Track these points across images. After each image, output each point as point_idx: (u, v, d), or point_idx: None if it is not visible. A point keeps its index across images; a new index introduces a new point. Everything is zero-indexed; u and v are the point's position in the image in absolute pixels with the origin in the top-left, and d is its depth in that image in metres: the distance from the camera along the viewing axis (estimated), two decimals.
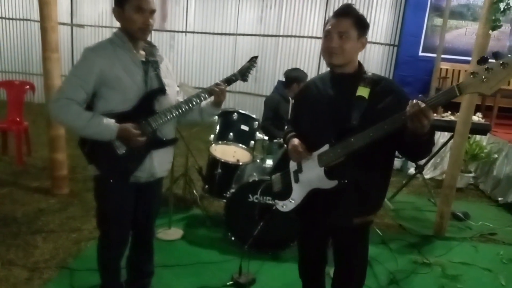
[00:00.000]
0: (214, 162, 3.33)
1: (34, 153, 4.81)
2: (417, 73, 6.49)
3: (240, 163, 3.25)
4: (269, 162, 3.22)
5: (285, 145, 1.94)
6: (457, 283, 2.85)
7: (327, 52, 1.68)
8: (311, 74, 6.43)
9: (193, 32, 7.76)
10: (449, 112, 4.31)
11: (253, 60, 2.21)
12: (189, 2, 7.62)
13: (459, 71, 6.29)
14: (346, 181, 1.64)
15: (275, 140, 3.41)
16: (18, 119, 4.63)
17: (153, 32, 1.93)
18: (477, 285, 2.88)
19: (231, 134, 3.30)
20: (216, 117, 3.36)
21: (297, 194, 1.79)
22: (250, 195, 2.88)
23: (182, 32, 7.79)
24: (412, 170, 4.93)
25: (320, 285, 2.09)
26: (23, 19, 7.97)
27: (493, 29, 3.09)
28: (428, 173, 5.12)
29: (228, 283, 2.60)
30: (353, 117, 1.60)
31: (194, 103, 1.98)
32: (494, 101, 5.45)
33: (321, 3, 6.97)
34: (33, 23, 7.79)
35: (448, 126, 3.88)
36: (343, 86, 1.70)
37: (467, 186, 4.93)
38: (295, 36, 7.21)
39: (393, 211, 4.07)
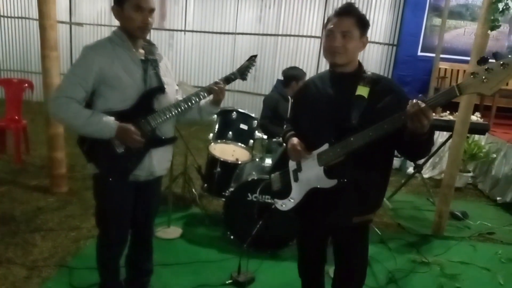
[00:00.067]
0: (213, 161, 3.32)
1: (32, 152, 4.80)
2: (416, 72, 6.50)
3: (239, 162, 3.25)
4: (268, 161, 3.22)
5: (284, 144, 1.94)
6: (455, 282, 2.86)
7: (330, 51, 1.67)
8: (310, 73, 6.43)
9: (192, 31, 7.76)
10: (448, 112, 4.32)
11: (252, 59, 2.21)
12: (188, 1, 7.62)
13: (458, 71, 6.30)
14: (345, 180, 1.64)
15: (274, 139, 3.41)
16: (16, 117, 4.62)
17: (152, 30, 1.93)
18: (476, 284, 2.89)
19: (230, 133, 3.30)
20: (215, 116, 3.37)
21: (297, 193, 1.79)
22: (249, 194, 2.88)
23: (181, 31, 7.78)
24: (411, 170, 4.93)
25: (319, 284, 2.09)
26: (21, 17, 7.95)
27: (492, 29, 3.09)
28: (427, 173, 5.13)
29: (227, 282, 2.60)
30: (352, 116, 1.60)
31: (193, 101, 1.98)
32: (493, 101, 5.46)
33: (320, 3, 6.98)
34: (32, 21, 7.77)
35: (447, 126, 3.89)
36: (343, 85, 1.70)
37: (465, 185, 4.94)
38: (294, 36, 7.21)
39: (392, 210, 4.07)
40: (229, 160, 3.26)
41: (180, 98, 2.02)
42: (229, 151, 3.29)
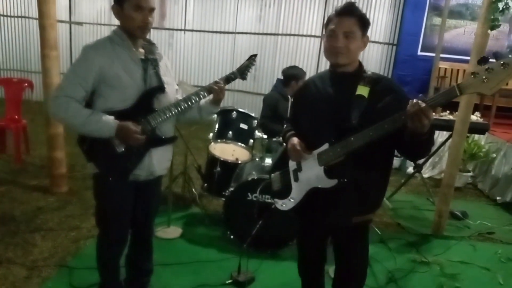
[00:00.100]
0: (213, 160, 3.32)
1: (32, 151, 4.80)
2: (416, 72, 6.50)
3: (239, 162, 3.25)
4: (268, 161, 3.22)
5: (284, 144, 1.94)
6: (455, 281, 2.86)
7: (332, 52, 1.67)
8: (310, 72, 6.43)
9: (192, 30, 7.75)
10: (448, 112, 4.32)
11: (252, 58, 2.21)
12: (188, 0, 7.61)
13: (458, 70, 6.30)
14: (345, 180, 1.64)
15: (274, 139, 3.41)
16: (16, 117, 4.61)
17: (152, 30, 1.92)
18: (475, 283, 2.89)
19: (230, 132, 3.30)
20: (215, 115, 3.36)
21: (297, 193, 1.79)
22: (249, 194, 2.88)
23: (181, 30, 7.78)
24: (410, 169, 4.93)
25: (319, 283, 2.09)
26: (21, 17, 7.94)
27: (492, 28, 3.09)
28: (426, 172, 5.13)
29: (227, 282, 2.60)
30: (352, 116, 1.60)
31: (193, 101, 1.98)
32: (493, 101, 5.46)
33: (320, 2, 6.97)
34: (32, 20, 7.77)
35: (447, 125, 3.89)
36: (343, 85, 1.70)
37: (465, 185, 4.94)
38: (294, 35, 7.21)
39: (391, 210, 4.07)
40: (229, 159, 3.25)
41: (180, 98, 2.02)
42: (229, 151, 3.29)
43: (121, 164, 1.88)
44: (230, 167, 3.27)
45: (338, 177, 1.64)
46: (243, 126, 3.33)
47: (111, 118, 1.80)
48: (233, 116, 3.33)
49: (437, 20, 6.32)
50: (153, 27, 1.91)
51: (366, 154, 1.59)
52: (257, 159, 3.32)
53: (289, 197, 1.81)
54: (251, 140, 3.37)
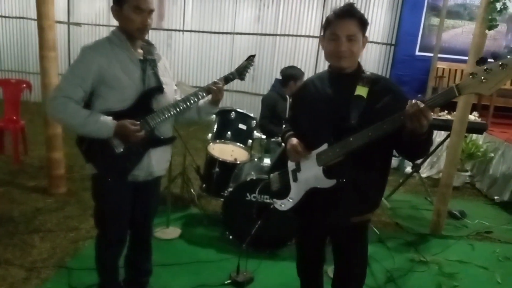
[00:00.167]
0: (211, 161, 3.33)
1: (31, 152, 4.79)
2: (414, 72, 6.51)
3: (238, 162, 3.25)
4: (267, 161, 3.22)
5: (283, 144, 1.94)
6: (453, 281, 2.87)
7: (336, 56, 1.65)
8: (308, 72, 6.44)
9: (191, 31, 7.75)
10: (446, 111, 4.33)
11: (250, 59, 2.22)
12: (186, 1, 7.60)
13: (456, 70, 6.32)
14: (344, 180, 1.64)
15: (272, 139, 3.41)
16: (14, 117, 4.61)
17: (150, 30, 1.92)
18: (474, 282, 2.90)
19: (229, 133, 3.30)
20: (214, 116, 3.37)
21: (296, 193, 1.79)
22: (248, 194, 2.88)
23: (179, 31, 7.77)
24: (409, 169, 4.94)
25: (318, 283, 2.09)
26: (20, 17, 7.92)
27: (490, 28, 3.10)
28: (424, 172, 5.14)
29: (226, 282, 2.60)
30: (351, 116, 1.60)
31: (191, 101, 1.98)
32: (491, 100, 5.48)
33: (319, 2, 6.98)
34: (30, 21, 7.74)
35: (445, 125, 3.90)
36: (342, 85, 1.70)
37: (463, 184, 4.95)
38: (292, 35, 7.21)
39: (390, 210, 4.08)
40: (228, 160, 3.26)
41: (179, 98, 2.02)
42: (228, 151, 3.29)
43: (120, 165, 1.89)
44: (229, 168, 3.27)
45: (337, 177, 1.64)
46: (242, 126, 3.34)
47: (109, 118, 1.80)
48: (232, 116, 3.33)
49: (435, 20, 6.34)
50: (152, 28, 1.91)
51: (365, 154, 1.59)
52: (255, 160, 3.33)
53: (288, 197, 1.81)
54: (250, 141, 3.38)
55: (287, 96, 3.66)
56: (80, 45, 1.91)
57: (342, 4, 1.69)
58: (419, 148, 1.56)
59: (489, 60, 1.34)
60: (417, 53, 6.53)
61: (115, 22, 1.87)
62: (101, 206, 2.04)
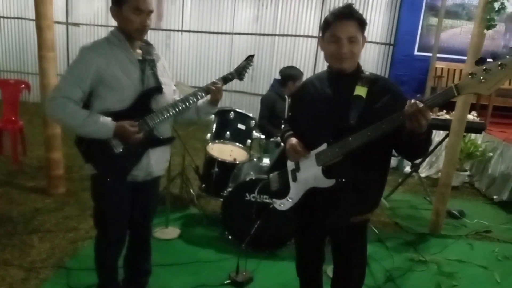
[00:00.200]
0: (211, 161, 3.33)
1: (29, 153, 4.78)
2: (412, 72, 6.52)
3: (237, 162, 3.25)
4: (266, 161, 3.22)
5: (282, 144, 1.94)
6: (452, 280, 2.87)
7: (337, 58, 1.65)
8: (307, 72, 6.44)
9: (189, 31, 7.74)
10: (444, 111, 4.33)
11: (249, 59, 2.22)
12: (185, 1, 7.60)
13: (454, 70, 6.33)
14: (343, 180, 1.64)
15: (271, 139, 3.42)
16: (13, 118, 4.60)
17: (149, 31, 1.93)
18: (473, 282, 2.90)
19: (228, 133, 3.30)
20: (213, 116, 3.37)
21: (295, 193, 1.79)
22: (247, 194, 2.88)
23: (178, 31, 7.76)
24: (408, 169, 4.95)
25: (317, 283, 2.09)
26: (18, 18, 7.90)
27: (488, 28, 3.10)
28: (423, 172, 5.14)
29: (225, 282, 2.60)
30: (351, 116, 1.60)
31: (190, 101, 1.98)
32: (489, 100, 5.48)
33: (317, 2, 6.98)
34: (29, 21, 7.73)
35: (444, 125, 3.90)
36: (341, 85, 1.70)
37: (462, 184, 4.96)
38: (291, 35, 7.21)
39: (389, 210, 4.09)
40: (227, 160, 3.26)
41: (178, 98, 2.02)
42: (227, 151, 3.29)
43: (119, 165, 1.88)
44: (228, 168, 3.27)
45: (336, 177, 1.64)
46: (241, 126, 3.34)
47: (109, 119, 1.80)
48: (231, 116, 3.34)
49: (433, 20, 6.34)
50: (150, 28, 1.91)
51: (364, 154, 1.59)
52: (255, 160, 3.33)
53: (287, 197, 1.81)
54: (249, 141, 3.38)
55: (286, 96, 3.66)
56: (78, 46, 1.91)
57: (340, 4, 1.69)
58: (418, 148, 1.57)
59: (488, 60, 1.34)
60: (415, 53, 6.54)
61: (113, 23, 1.87)
62: (100, 206, 2.04)
